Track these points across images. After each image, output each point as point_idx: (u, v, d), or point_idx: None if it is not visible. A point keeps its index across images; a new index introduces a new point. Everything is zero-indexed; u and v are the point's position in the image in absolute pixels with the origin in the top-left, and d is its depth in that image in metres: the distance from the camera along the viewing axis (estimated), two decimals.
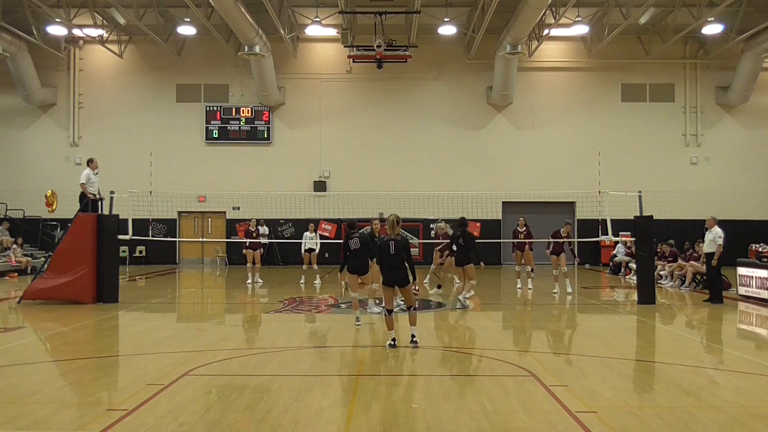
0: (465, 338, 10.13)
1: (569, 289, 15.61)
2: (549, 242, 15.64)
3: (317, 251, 18.00)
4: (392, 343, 8.74)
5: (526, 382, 6.94)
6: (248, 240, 18.18)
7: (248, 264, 18.34)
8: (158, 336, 10.04)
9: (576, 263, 18.53)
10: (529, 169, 26.46)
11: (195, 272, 24.10)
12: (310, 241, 17.94)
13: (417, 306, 9.14)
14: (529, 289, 16.29)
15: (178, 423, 5.42)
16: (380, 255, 8.94)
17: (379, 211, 23.36)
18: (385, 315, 8.95)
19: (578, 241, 24.79)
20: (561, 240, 15.34)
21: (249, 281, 18.13)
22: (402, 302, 10.68)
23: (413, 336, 8.82)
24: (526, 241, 15.99)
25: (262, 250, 18.55)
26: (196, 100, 27.07)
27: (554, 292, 15.60)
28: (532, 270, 17.15)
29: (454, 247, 13.03)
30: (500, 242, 24.62)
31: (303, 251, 18.04)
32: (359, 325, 10.47)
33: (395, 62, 22.94)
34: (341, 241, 26.41)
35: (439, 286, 15.19)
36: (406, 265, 8.75)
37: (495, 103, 26.86)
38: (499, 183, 25.79)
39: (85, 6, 23.00)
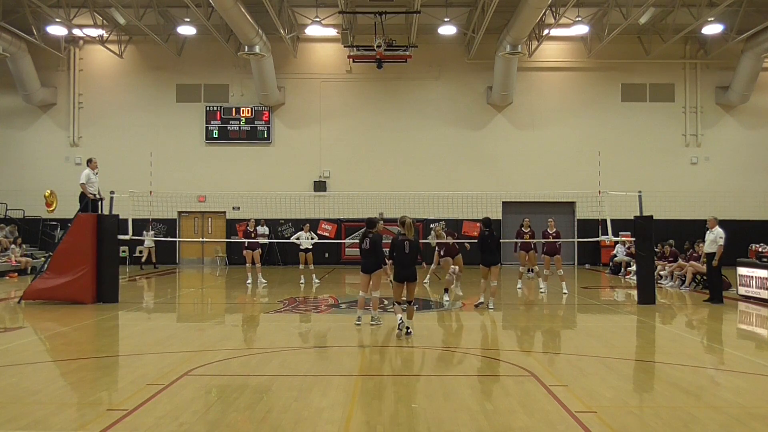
0: (465, 338, 10.13)
1: (565, 291, 15.61)
2: (543, 244, 15.64)
3: (311, 250, 18.15)
4: (401, 322, 9.71)
5: (526, 382, 6.94)
6: (247, 240, 18.19)
7: (247, 264, 18.35)
8: (158, 336, 10.03)
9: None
10: (529, 169, 26.45)
11: (195, 272, 24.10)
12: (305, 241, 18.00)
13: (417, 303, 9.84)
14: (541, 290, 16.10)
15: (178, 423, 5.42)
16: (394, 253, 9.83)
17: (379, 211, 23.44)
18: (394, 305, 10.02)
19: (578, 241, 24.90)
20: (553, 240, 15.32)
21: (249, 281, 18.13)
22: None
23: (408, 327, 9.64)
24: (532, 241, 15.98)
25: (260, 250, 18.54)
26: (196, 100, 27.07)
27: (541, 291, 15.63)
28: (531, 270, 17.16)
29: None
30: (500, 242, 24.60)
31: (299, 251, 18.18)
32: (359, 324, 10.45)
33: (395, 62, 22.94)
34: (341, 241, 26.19)
35: (446, 290, 14.81)
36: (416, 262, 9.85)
37: (495, 103, 26.86)
38: (499, 183, 25.78)
39: (85, 6, 22.99)
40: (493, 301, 12.91)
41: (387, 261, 10.72)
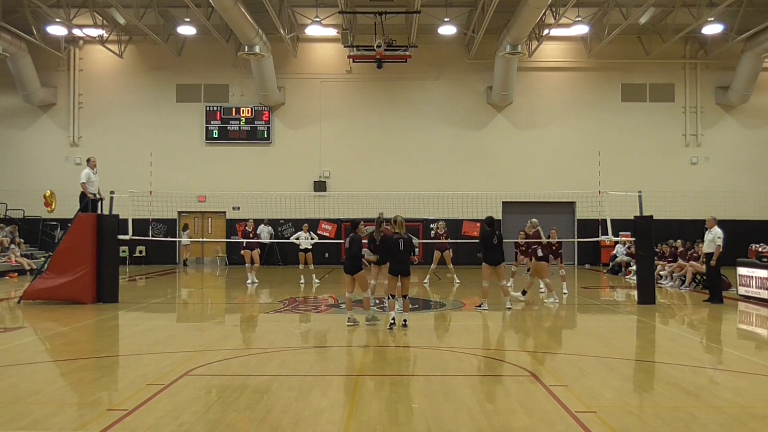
0: (465, 338, 10.12)
1: (565, 291, 15.59)
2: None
3: (311, 250, 18.17)
4: (393, 322, 10.15)
5: (526, 382, 6.94)
6: (245, 240, 18.25)
7: (247, 264, 18.42)
8: (158, 336, 10.03)
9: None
10: (529, 169, 26.46)
11: (195, 272, 24.09)
12: (305, 241, 18.02)
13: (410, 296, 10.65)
14: (541, 289, 16.06)
15: (178, 423, 5.42)
16: (389, 249, 10.38)
17: (379, 211, 23.40)
18: (389, 299, 10.45)
19: (578, 241, 24.90)
20: (555, 249, 15.26)
21: (249, 281, 18.15)
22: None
23: (405, 320, 10.22)
24: (533, 241, 15.93)
25: (259, 249, 18.61)
26: (196, 100, 27.08)
27: (542, 291, 15.63)
28: (530, 270, 17.10)
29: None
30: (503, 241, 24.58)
31: (299, 251, 18.20)
32: (349, 325, 10.35)
33: (395, 62, 22.93)
34: (341, 241, 26.40)
35: (524, 292, 14.23)
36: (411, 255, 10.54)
37: (495, 103, 26.86)
38: (499, 183, 25.79)
39: (85, 6, 23.00)
40: (510, 300, 12.91)
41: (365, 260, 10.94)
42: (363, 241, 10.98)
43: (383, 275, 11.92)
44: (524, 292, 14.15)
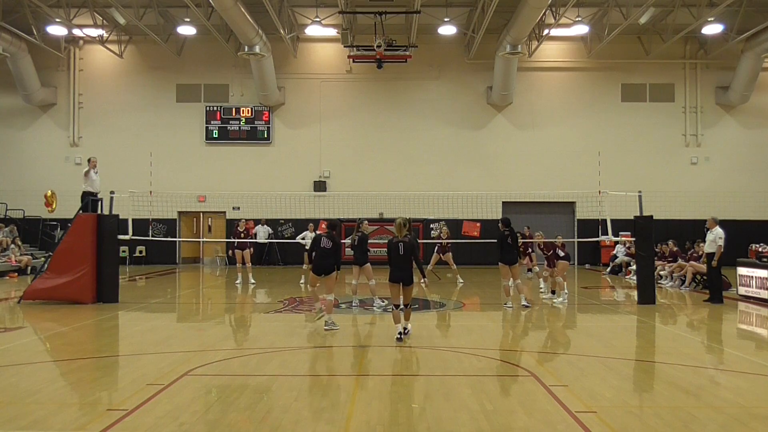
0: (465, 338, 10.11)
1: (565, 291, 15.55)
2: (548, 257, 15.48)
3: None
4: (399, 336, 9.28)
5: (526, 382, 6.94)
6: (236, 240, 18.30)
7: (238, 264, 18.50)
8: (158, 336, 10.03)
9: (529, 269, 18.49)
10: (529, 169, 26.46)
11: (195, 272, 24.08)
12: (311, 241, 17.99)
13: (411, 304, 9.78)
14: (541, 289, 16.11)
15: (178, 423, 5.42)
16: (389, 255, 9.47)
17: (380, 211, 23.47)
18: (393, 309, 9.62)
19: (578, 241, 24.90)
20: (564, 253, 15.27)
21: (238, 281, 18.29)
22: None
23: (405, 328, 9.44)
24: (530, 241, 16.08)
25: (251, 249, 18.66)
26: (196, 100, 27.07)
27: (541, 290, 15.66)
28: (530, 270, 17.13)
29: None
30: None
31: (304, 251, 18.21)
32: (328, 329, 10.15)
33: (395, 62, 22.94)
34: (342, 240, 26.53)
35: (553, 292, 14.40)
36: (413, 264, 9.41)
37: (495, 103, 26.85)
38: (499, 183, 25.78)
39: (85, 6, 23.01)
40: (510, 301, 12.96)
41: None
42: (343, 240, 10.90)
43: (364, 276, 12.70)
44: (553, 292, 14.29)
